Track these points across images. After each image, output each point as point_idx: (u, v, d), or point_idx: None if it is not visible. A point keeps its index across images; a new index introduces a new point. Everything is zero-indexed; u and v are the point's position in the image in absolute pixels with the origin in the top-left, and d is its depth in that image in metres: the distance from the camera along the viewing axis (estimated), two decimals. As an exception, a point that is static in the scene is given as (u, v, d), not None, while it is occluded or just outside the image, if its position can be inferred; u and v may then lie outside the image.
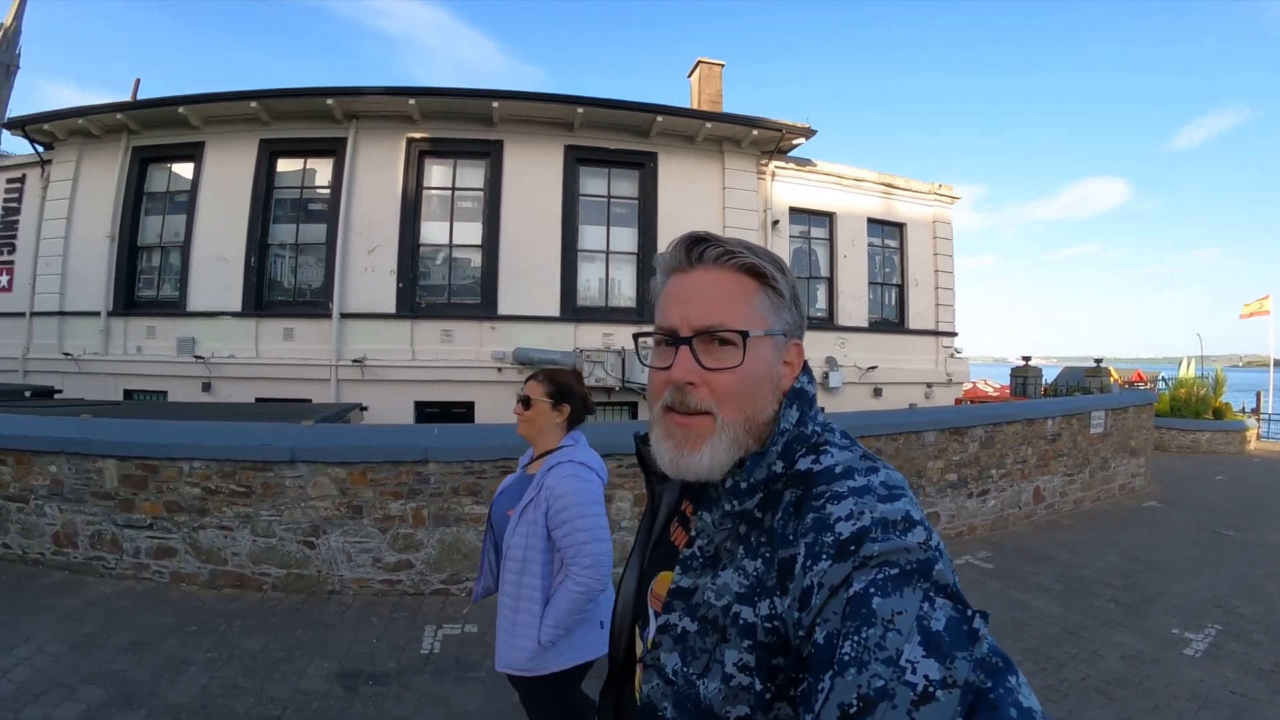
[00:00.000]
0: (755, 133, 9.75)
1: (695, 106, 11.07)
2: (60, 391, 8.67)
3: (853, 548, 0.55)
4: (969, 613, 0.51)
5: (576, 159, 9.43)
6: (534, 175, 9.17)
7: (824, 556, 0.55)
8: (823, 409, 0.77)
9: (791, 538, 0.60)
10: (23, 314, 9.29)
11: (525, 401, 1.86)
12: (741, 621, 0.61)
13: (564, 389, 1.88)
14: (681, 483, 0.79)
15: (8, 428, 4.28)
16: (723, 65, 11.42)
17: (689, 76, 11.73)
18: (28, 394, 8.24)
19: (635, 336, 0.80)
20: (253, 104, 8.61)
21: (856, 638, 0.50)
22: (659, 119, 9.24)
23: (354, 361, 8.46)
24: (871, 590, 0.51)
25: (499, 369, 8.71)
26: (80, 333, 9.11)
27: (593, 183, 9.54)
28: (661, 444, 0.71)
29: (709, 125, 9.65)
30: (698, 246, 0.71)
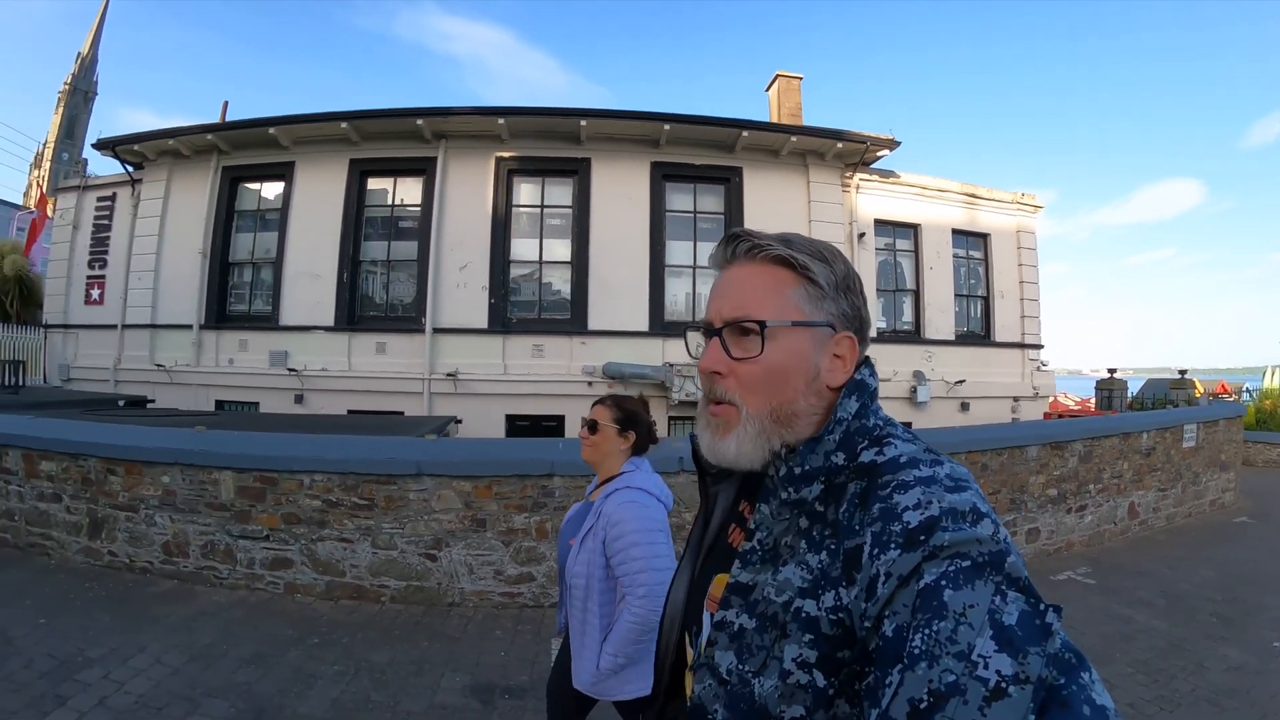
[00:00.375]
0: (839, 145, 10.42)
1: (775, 120, 11.76)
2: (153, 401, 9.53)
3: (922, 537, 0.56)
4: (1041, 606, 0.52)
5: (663, 175, 10.17)
6: (621, 192, 9.89)
7: (892, 545, 0.57)
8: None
9: (858, 528, 0.61)
10: (114, 326, 10.18)
11: (591, 426, 1.96)
12: (804, 615, 0.62)
13: (631, 416, 1.97)
14: (738, 484, 0.83)
15: (120, 438, 4.72)
16: (801, 78, 12.16)
17: (767, 90, 12.48)
18: (121, 403, 9.09)
19: (685, 331, 0.85)
20: (343, 125, 9.46)
21: (927, 631, 0.51)
22: (744, 134, 9.97)
23: (447, 375, 9.20)
24: (943, 582, 0.53)
25: (589, 383, 9.40)
26: (172, 345, 9.95)
27: (679, 198, 10.25)
28: (701, 433, 0.78)
29: (794, 139, 10.34)
30: (733, 243, 0.77)
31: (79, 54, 76.78)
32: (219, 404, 9.82)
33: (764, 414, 0.72)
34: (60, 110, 73.92)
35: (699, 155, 10.29)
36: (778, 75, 12.39)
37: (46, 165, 68.46)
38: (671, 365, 9.61)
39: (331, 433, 5.75)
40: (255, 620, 3.83)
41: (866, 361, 0.77)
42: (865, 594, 0.58)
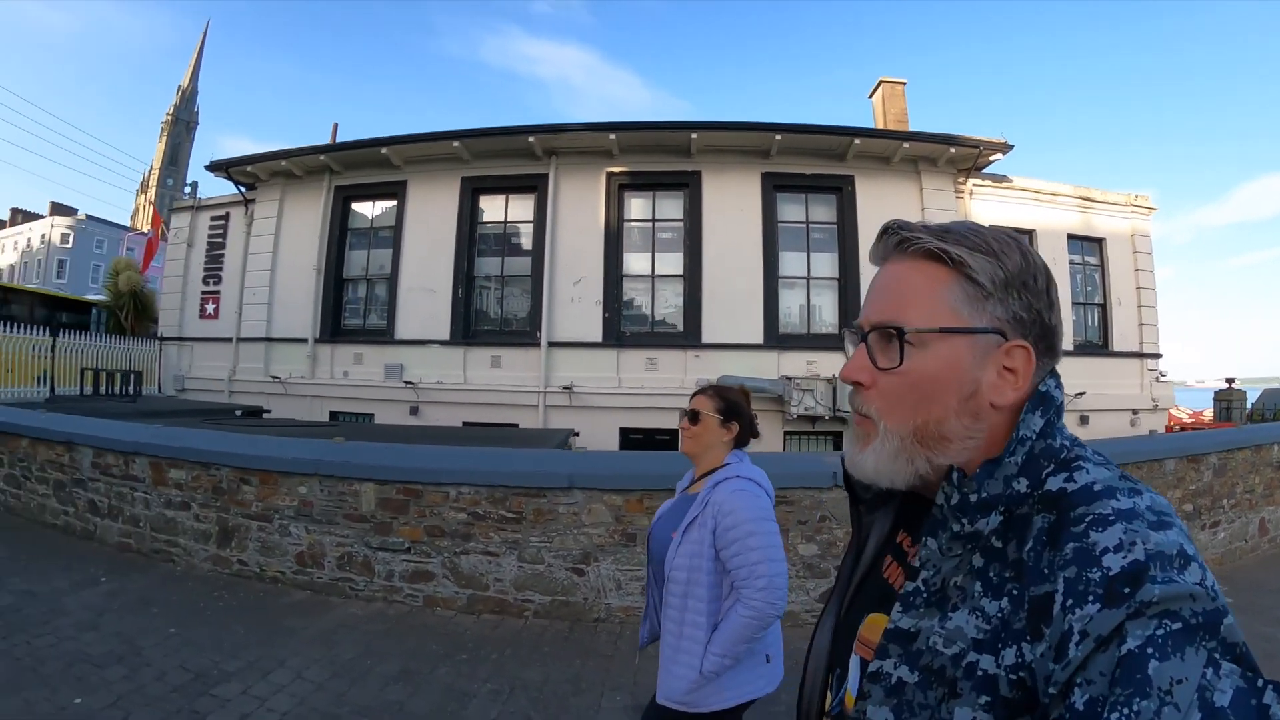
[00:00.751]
0: (951, 150, 10.11)
1: (881, 126, 11.48)
2: (269, 411, 9.66)
3: (1126, 589, 0.48)
4: (1260, 683, 0.45)
5: (774, 186, 9.99)
6: (732, 204, 9.73)
7: (1090, 597, 0.49)
8: None
9: (1046, 571, 0.53)
10: (229, 339, 10.33)
11: (693, 416, 1.88)
12: (979, 673, 0.54)
13: (733, 406, 1.89)
14: (895, 511, 0.75)
15: (257, 449, 4.70)
16: (904, 83, 11.91)
17: (870, 97, 12.24)
18: (238, 413, 9.20)
19: (843, 332, 0.74)
20: (455, 144, 9.48)
21: (1126, 710, 0.45)
22: (856, 142, 9.74)
23: (563, 389, 9.08)
24: (1149, 650, 0.46)
25: None
26: (286, 357, 10.05)
27: (790, 209, 10.05)
28: (846, 445, 0.71)
29: (906, 145, 10.08)
30: (885, 236, 0.69)
31: (180, 86, 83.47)
32: (333, 415, 9.89)
33: (903, 433, 0.63)
34: (164, 139, 79.73)
35: (810, 164, 10.07)
36: (881, 81, 12.13)
37: (152, 190, 73.81)
38: (789, 379, 9.37)
39: (454, 444, 5.72)
40: (397, 634, 3.69)
41: (1054, 373, 0.65)
42: (1054, 654, 0.50)
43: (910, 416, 0.62)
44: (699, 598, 1.67)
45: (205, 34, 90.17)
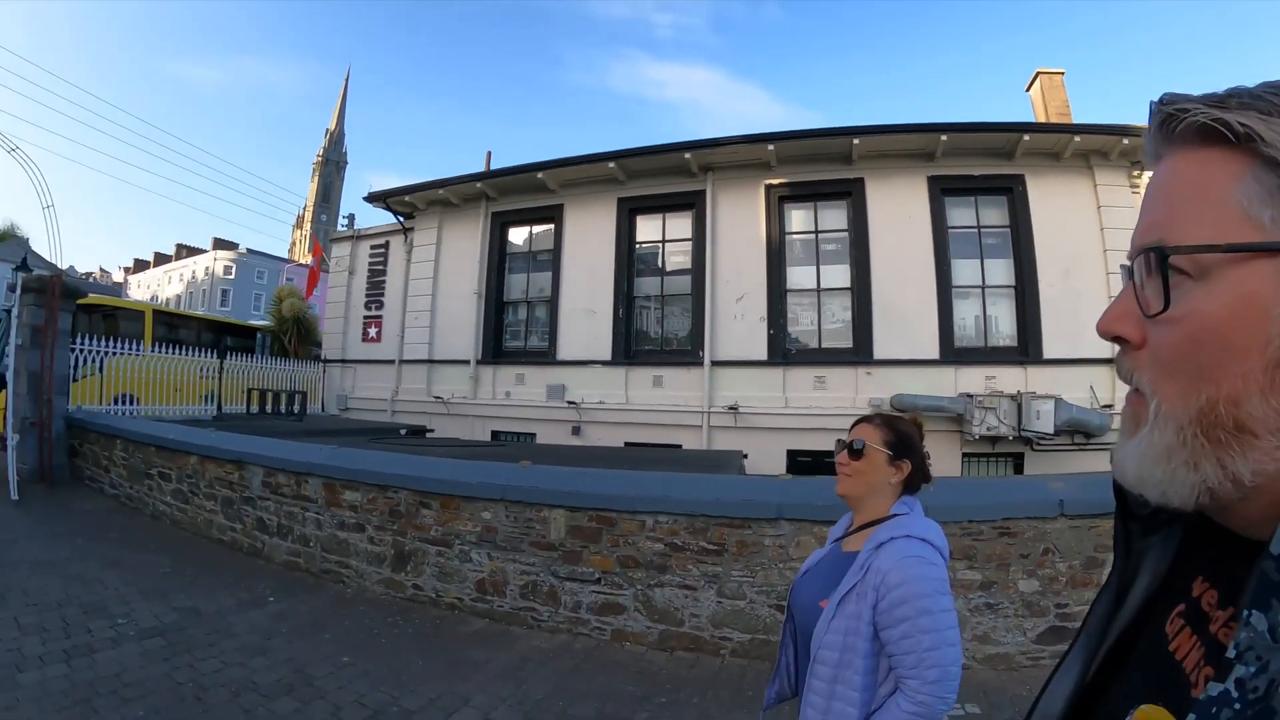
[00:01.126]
0: (1125, 141, 9.26)
1: (1042, 121, 10.67)
2: (432, 431, 9.73)
3: None
4: None
5: (941, 190, 9.37)
6: (899, 211, 9.23)
7: None
8: None
9: None
10: (392, 361, 10.58)
11: (855, 449, 1.55)
12: None
13: (905, 440, 1.56)
14: (1185, 534, 0.51)
15: (438, 472, 4.54)
16: (1063, 73, 11.10)
17: (1027, 91, 11.48)
18: (403, 431, 9.31)
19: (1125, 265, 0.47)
20: (610, 165, 9.36)
21: None
22: (1025, 137, 9.08)
23: (729, 409, 8.76)
24: None
25: None
26: (448, 378, 10.21)
27: (960, 213, 9.45)
28: (1119, 436, 0.49)
29: (1077, 139, 9.28)
30: (1151, 120, 0.46)
31: (327, 130, 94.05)
32: (494, 434, 9.96)
33: (1183, 415, 0.40)
34: (316, 178, 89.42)
35: (977, 165, 9.42)
36: (1038, 73, 11.35)
37: (308, 225, 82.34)
38: (970, 396, 8.69)
39: (624, 466, 5.31)
40: (587, 671, 3.44)
41: None
42: None
43: (1191, 390, 0.40)
44: (851, 684, 1.38)
45: (347, 81, 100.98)
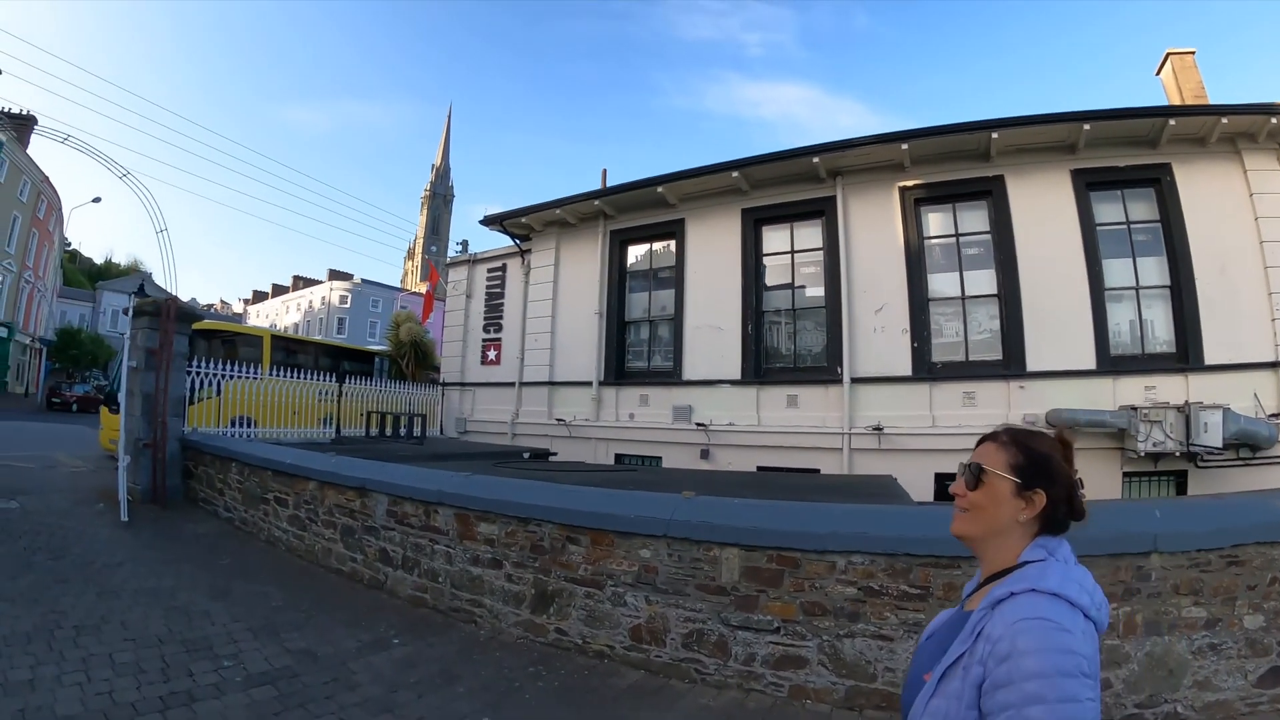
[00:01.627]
0: (1273, 121, 8.39)
1: (1178, 105, 9.84)
2: (555, 454, 9.61)
3: None
4: None
5: (1085, 184, 8.69)
6: (1043, 208, 8.67)
7: None
8: None
9: None
10: (511, 384, 10.50)
11: (972, 475, 1.20)
12: None
13: (1040, 463, 1.17)
14: None
15: (587, 503, 4.08)
16: (1194, 53, 10.16)
17: (1157, 74, 10.67)
18: (526, 455, 9.20)
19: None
20: (734, 174, 9.05)
21: None
22: (1170, 122, 8.42)
23: (872, 429, 8.35)
24: None
25: None
26: (569, 400, 10.11)
27: (1106, 209, 8.82)
28: None
29: (1224, 121, 8.49)
30: None
31: (433, 165, 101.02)
32: (618, 457, 9.82)
33: None
34: (424, 212, 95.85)
35: (1120, 155, 8.73)
36: (1169, 54, 10.50)
37: (418, 256, 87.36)
38: (1135, 409, 8.07)
39: (755, 492, 4.93)
40: None
41: None
42: None
43: None
44: None
45: (449, 119, 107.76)
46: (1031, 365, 8.41)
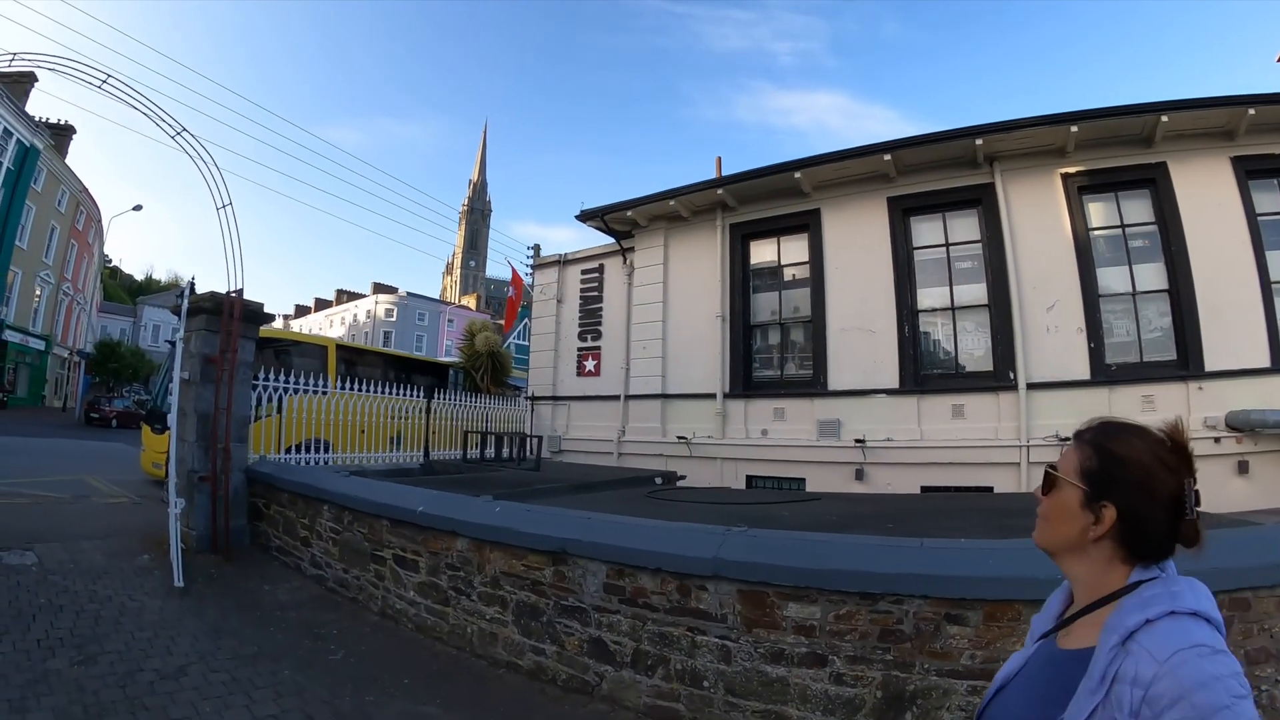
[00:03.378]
0: None
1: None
2: (683, 477, 8.28)
3: None
4: None
5: (1246, 171, 7.85)
6: (1207, 198, 7.96)
7: None
8: None
9: None
10: (616, 397, 9.05)
11: (1045, 480, 1.03)
12: None
13: (1112, 467, 0.92)
14: None
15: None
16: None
17: (1279, 60, 9.83)
18: (659, 480, 7.89)
19: None
20: (886, 156, 7.79)
21: None
22: None
23: (1056, 439, 7.38)
24: None
25: (1215, 439, 7.30)
26: (686, 415, 8.78)
27: (1268, 197, 7.94)
28: None
29: None
30: None
31: (471, 181, 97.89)
32: (749, 479, 8.50)
33: None
34: (463, 226, 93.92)
35: (1276, 143, 7.90)
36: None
37: (456, 271, 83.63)
38: (1323, 406, 7.35)
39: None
40: None
41: None
42: None
43: None
44: None
45: (485, 134, 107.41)
46: (1210, 365, 7.60)
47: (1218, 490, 7.29)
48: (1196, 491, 0.90)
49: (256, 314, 6.49)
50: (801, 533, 3.69)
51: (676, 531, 3.65)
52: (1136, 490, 0.90)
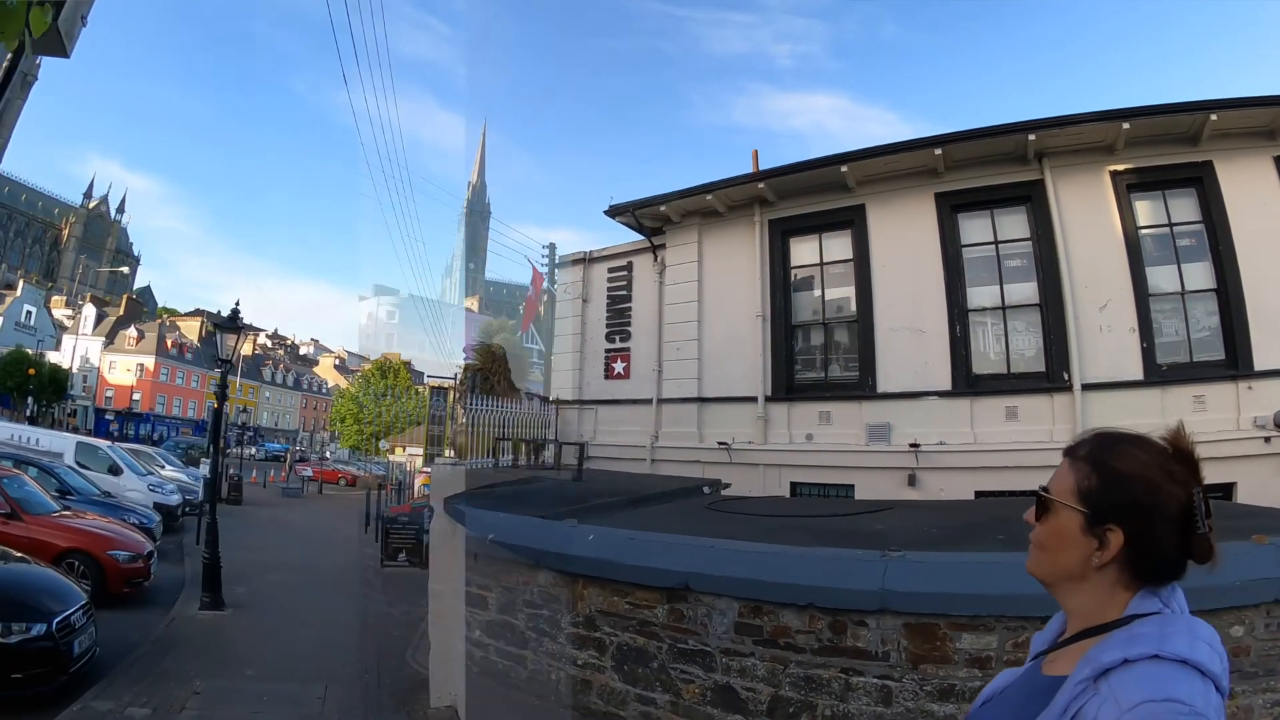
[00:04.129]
0: None
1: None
2: (728, 485, 7.75)
3: None
4: None
5: (1285, 170, 7.64)
6: (1253, 198, 7.64)
7: None
8: None
9: None
10: (648, 400, 8.51)
11: (1038, 503, 0.94)
12: None
13: (1116, 486, 0.84)
14: None
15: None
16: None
17: None
18: (706, 489, 7.37)
19: None
20: (936, 151, 7.42)
21: None
22: None
23: (1111, 442, 6.95)
24: None
25: (1265, 439, 7.08)
26: (724, 419, 8.30)
27: (1306, 197, 7.73)
28: None
29: None
30: None
31: (469, 183, 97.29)
32: (793, 487, 8.05)
33: None
34: (462, 228, 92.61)
35: None
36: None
37: (456, 274, 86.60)
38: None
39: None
40: None
41: None
42: None
43: None
44: None
45: (484, 135, 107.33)
46: (1260, 364, 7.38)
47: (1265, 489, 7.07)
48: (1207, 501, 0.82)
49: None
50: (969, 554, 3.21)
51: (824, 560, 3.15)
52: (1143, 509, 0.82)
